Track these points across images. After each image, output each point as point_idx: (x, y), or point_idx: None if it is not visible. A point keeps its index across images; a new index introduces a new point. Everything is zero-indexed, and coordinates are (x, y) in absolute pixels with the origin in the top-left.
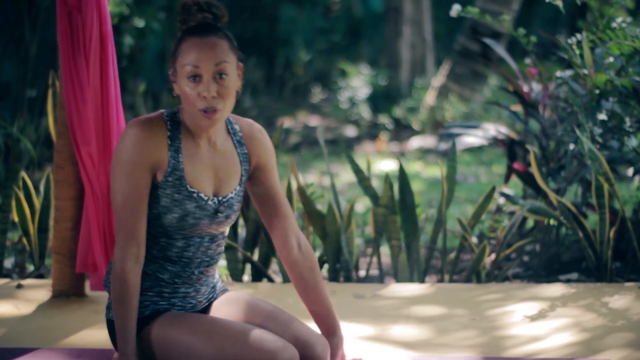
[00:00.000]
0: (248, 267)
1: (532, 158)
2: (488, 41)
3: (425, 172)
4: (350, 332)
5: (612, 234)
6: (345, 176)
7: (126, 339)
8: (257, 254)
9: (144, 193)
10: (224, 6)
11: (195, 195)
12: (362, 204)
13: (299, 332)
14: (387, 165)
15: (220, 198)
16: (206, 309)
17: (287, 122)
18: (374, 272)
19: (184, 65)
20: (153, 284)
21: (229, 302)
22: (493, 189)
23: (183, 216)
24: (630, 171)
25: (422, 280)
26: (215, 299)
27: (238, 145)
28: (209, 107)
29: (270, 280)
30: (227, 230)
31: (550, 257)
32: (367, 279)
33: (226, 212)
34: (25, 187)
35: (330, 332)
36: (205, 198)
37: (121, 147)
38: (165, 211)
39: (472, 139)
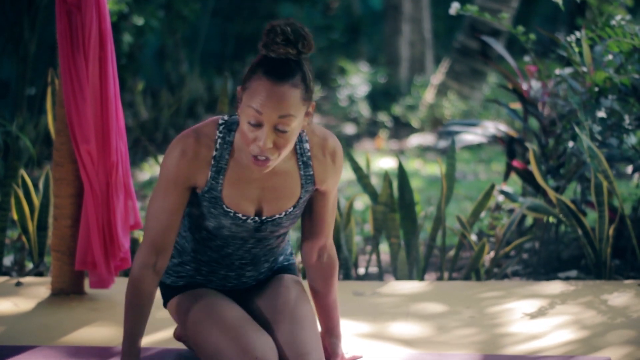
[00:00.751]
0: None
1: (531, 156)
2: (487, 39)
3: (425, 170)
4: (350, 329)
5: (611, 231)
6: (345, 174)
7: (131, 343)
8: None
9: (177, 209)
10: (311, 37)
11: (231, 214)
12: (362, 202)
13: (299, 337)
14: (386, 163)
15: (264, 218)
16: (251, 288)
17: None
18: (373, 269)
19: (249, 106)
20: (191, 259)
21: (265, 290)
22: (492, 187)
23: (219, 227)
24: (629, 169)
25: (421, 278)
26: (266, 278)
27: (303, 167)
28: (261, 155)
29: None
30: (284, 234)
31: (550, 254)
32: (367, 277)
33: (271, 228)
34: (25, 185)
35: (330, 332)
36: (244, 217)
37: (166, 160)
38: (203, 218)
39: (471, 136)
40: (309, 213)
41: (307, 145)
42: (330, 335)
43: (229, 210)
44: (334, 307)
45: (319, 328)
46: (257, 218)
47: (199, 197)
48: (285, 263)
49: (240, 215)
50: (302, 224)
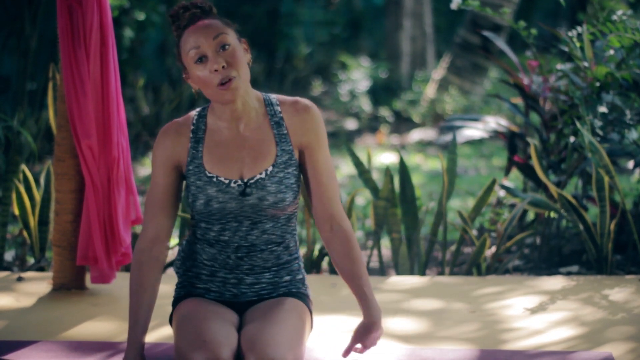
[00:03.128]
0: None
1: (532, 151)
2: (488, 34)
3: (426, 165)
4: (351, 325)
5: (612, 226)
6: (346, 169)
7: (134, 333)
8: None
9: (167, 190)
10: (209, 1)
11: (214, 179)
12: (363, 197)
13: (265, 333)
14: (387, 158)
15: (246, 180)
16: (252, 303)
17: None
18: (375, 264)
19: (187, 53)
20: (193, 264)
21: (260, 305)
22: (493, 182)
23: (207, 201)
24: (630, 164)
25: (422, 273)
26: (269, 298)
27: (276, 127)
28: (223, 77)
29: None
30: (283, 218)
31: (551, 249)
32: (368, 272)
33: (257, 193)
34: (26, 180)
35: (365, 317)
36: (226, 181)
37: (153, 147)
38: (194, 198)
39: (472, 131)
40: (305, 172)
41: (278, 108)
42: (366, 322)
43: (211, 175)
44: (359, 278)
45: (304, 338)
46: (240, 181)
47: (187, 178)
48: (293, 289)
49: (222, 179)
50: (306, 189)
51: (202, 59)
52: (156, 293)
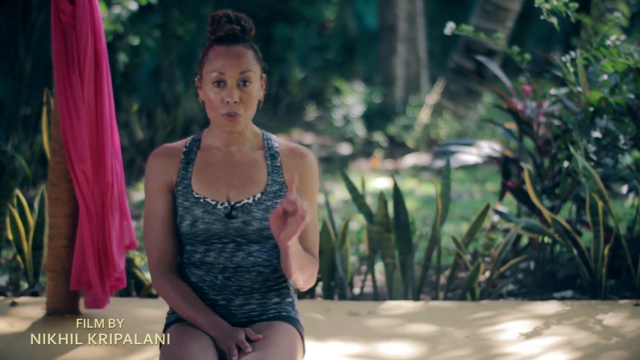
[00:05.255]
0: None
1: (526, 175)
2: (482, 59)
3: (420, 190)
4: (344, 350)
5: (606, 251)
6: (340, 194)
7: (199, 317)
8: None
9: (165, 214)
10: (251, 20)
11: (201, 200)
12: (357, 222)
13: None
14: (381, 183)
15: (232, 203)
16: (242, 325)
17: None
18: (369, 289)
19: (210, 72)
20: None
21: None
22: (487, 207)
23: (193, 222)
24: (624, 189)
25: (416, 298)
26: (259, 320)
27: (270, 158)
28: (231, 112)
29: None
30: (269, 244)
31: (545, 274)
32: (362, 297)
33: (243, 217)
34: (20, 205)
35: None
36: (213, 203)
37: (145, 173)
38: (181, 220)
39: (466, 156)
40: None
41: (275, 144)
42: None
43: (198, 196)
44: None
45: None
46: (226, 203)
47: (176, 200)
48: (283, 313)
49: (209, 200)
50: None
51: (220, 83)
52: (190, 292)
